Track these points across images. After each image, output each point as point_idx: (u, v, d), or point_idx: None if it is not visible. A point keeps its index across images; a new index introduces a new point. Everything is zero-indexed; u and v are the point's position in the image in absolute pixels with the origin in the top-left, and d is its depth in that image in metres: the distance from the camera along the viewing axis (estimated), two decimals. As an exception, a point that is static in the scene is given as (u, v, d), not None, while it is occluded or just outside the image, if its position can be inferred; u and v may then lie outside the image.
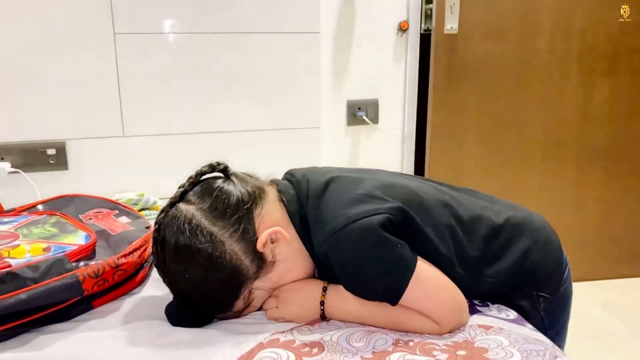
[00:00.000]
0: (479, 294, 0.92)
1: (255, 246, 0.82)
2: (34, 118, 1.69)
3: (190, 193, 0.85)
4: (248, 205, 0.84)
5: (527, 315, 0.91)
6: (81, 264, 0.86)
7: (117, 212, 1.10)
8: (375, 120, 2.07)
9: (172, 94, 1.78)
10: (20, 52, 1.63)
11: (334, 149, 2.07)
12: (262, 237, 0.82)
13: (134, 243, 0.95)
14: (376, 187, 0.87)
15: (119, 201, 1.20)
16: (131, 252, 0.92)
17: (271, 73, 1.84)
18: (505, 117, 2.14)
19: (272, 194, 0.89)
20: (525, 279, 0.92)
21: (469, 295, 0.88)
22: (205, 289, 0.82)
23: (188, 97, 1.79)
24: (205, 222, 0.81)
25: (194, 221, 0.81)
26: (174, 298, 0.86)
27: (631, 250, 2.38)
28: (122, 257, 0.90)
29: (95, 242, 0.93)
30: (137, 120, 1.78)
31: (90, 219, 1.05)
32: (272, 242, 0.84)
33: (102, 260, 0.87)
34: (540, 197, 2.22)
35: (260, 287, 0.85)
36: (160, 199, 1.63)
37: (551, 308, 0.95)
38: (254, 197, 0.86)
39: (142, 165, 1.81)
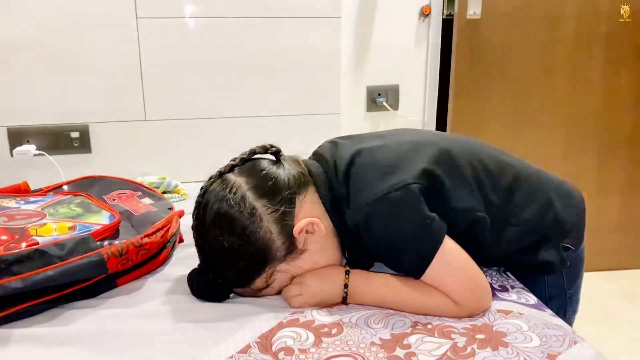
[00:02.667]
0: (507, 246, 0.93)
1: (290, 231, 0.84)
2: (58, 101, 1.71)
3: (240, 167, 0.88)
4: (292, 190, 0.86)
5: (554, 269, 0.94)
6: (105, 243, 0.88)
7: (140, 193, 1.12)
8: (395, 106, 2.06)
9: (193, 79, 1.79)
10: (44, 36, 1.65)
11: (353, 135, 2.06)
12: (300, 224, 0.84)
13: (157, 223, 0.97)
14: (401, 151, 0.89)
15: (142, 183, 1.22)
16: (154, 232, 0.94)
17: (291, 58, 1.83)
18: (528, 104, 2.11)
19: (311, 183, 0.90)
20: (550, 229, 0.94)
21: (500, 248, 0.91)
22: (233, 258, 0.83)
23: (209, 81, 1.80)
24: (250, 195, 0.83)
25: (240, 192, 0.83)
26: (200, 263, 0.88)
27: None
28: (145, 236, 0.91)
29: (119, 222, 0.95)
30: (159, 104, 1.79)
31: (113, 199, 1.07)
32: (307, 233, 0.85)
33: (126, 239, 0.89)
34: (562, 186, 2.19)
35: (283, 270, 0.86)
36: (182, 182, 1.65)
37: (572, 265, 0.97)
38: (300, 183, 0.87)
39: (164, 149, 1.83)
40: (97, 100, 1.75)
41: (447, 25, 2.02)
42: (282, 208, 0.83)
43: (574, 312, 1.04)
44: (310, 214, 0.86)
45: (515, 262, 0.97)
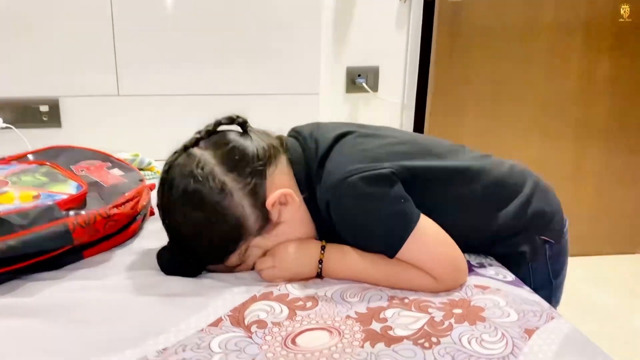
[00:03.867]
0: (480, 238, 0.92)
1: (263, 204, 0.81)
2: (28, 74, 1.66)
3: (205, 141, 0.84)
4: (262, 162, 0.82)
5: (528, 260, 0.93)
6: (71, 213, 0.84)
7: (109, 164, 1.08)
8: (375, 88, 2.04)
9: (169, 55, 1.74)
10: (15, 7, 1.58)
11: (332, 116, 2.04)
12: (274, 195, 0.81)
13: (126, 194, 0.93)
14: (384, 144, 0.88)
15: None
16: (123, 203, 0.90)
17: (270, 36, 1.80)
18: (507, 88, 2.11)
19: (284, 156, 0.87)
20: (529, 223, 0.93)
21: (469, 240, 0.89)
22: (205, 236, 0.80)
23: (185, 58, 1.76)
24: (218, 171, 0.79)
25: (207, 167, 0.79)
26: (169, 241, 0.84)
27: (625, 227, 2.38)
28: (113, 207, 0.88)
29: (87, 192, 0.90)
30: (133, 79, 1.75)
31: (81, 170, 1.02)
32: (281, 204, 0.83)
33: (94, 210, 0.85)
34: (538, 170, 2.19)
35: (257, 245, 0.83)
36: (155, 160, 1.60)
37: (556, 256, 0.96)
38: (269, 155, 0.84)
39: (137, 125, 1.79)
40: (68, 74, 1.69)
41: (429, 7, 2.00)
42: (253, 181, 0.80)
43: (557, 302, 1.03)
44: (282, 185, 0.83)
45: (485, 251, 0.96)
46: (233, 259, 0.83)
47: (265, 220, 0.82)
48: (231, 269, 0.86)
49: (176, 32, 1.73)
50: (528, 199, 0.93)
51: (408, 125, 2.09)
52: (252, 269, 0.86)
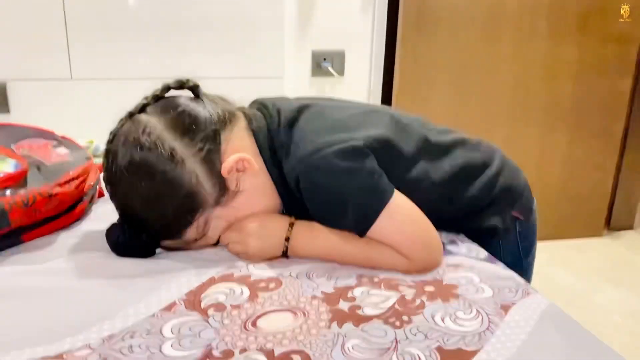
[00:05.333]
0: (448, 213, 0.88)
1: (219, 171, 0.75)
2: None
3: (153, 106, 0.77)
4: (216, 127, 0.76)
5: (500, 236, 0.90)
6: (8, 192, 0.76)
7: (55, 142, 0.99)
8: (341, 72, 1.99)
9: (126, 36, 1.66)
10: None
11: (297, 102, 1.98)
12: (229, 161, 0.75)
13: (71, 172, 0.85)
14: (352, 114, 0.84)
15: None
16: (67, 182, 0.82)
17: (232, 18, 1.73)
18: (473, 72, 2.08)
19: (242, 122, 0.81)
20: (498, 197, 0.89)
21: (439, 215, 0.83)
22: (156, 209, 0.74)
23: (143, 40, 1.67)
24: (166, 136, 0.73)
25: (155, 133, 0.73)
26: (119, 217, 0.78)
27: (589, 210, 2.40)
28: (56, 186, 0.80)
29: (27, 171, 0.82)
30: (87, 62, 1.65)
31: (23, 149, 0.94)
32: (239, 171, 0.77)
33: (34, 189, 0.78)
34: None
35: (218, 215, 0.77)
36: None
37: (525, 234, 0.94)
38: (224, 120, 0.78)
39: (92, 110, 1.70)
40: (16, 55, 1.59)
41: (395, -11, 1.96)
42: (206, 146, 0.74)
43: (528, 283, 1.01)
44: (240, 151, 0.77)
45: (457, 226, 0.92)
46: (191, 233, 0.77)
47: (223, 189, 0.76)
48: (191, 245, 0.79)
49: (134, 11, 1.64)
50: (496, 173, 0.90)
51: (375, 110, 2.05)
52: (215, 244, 0.81)
